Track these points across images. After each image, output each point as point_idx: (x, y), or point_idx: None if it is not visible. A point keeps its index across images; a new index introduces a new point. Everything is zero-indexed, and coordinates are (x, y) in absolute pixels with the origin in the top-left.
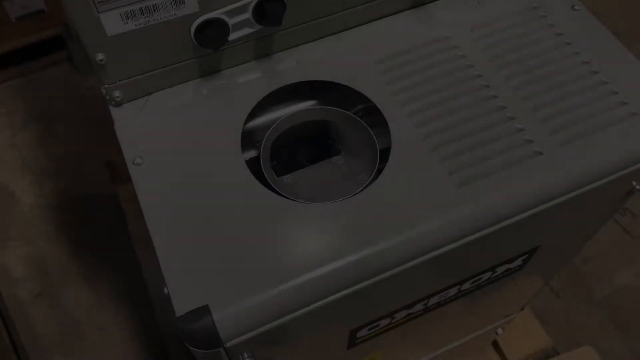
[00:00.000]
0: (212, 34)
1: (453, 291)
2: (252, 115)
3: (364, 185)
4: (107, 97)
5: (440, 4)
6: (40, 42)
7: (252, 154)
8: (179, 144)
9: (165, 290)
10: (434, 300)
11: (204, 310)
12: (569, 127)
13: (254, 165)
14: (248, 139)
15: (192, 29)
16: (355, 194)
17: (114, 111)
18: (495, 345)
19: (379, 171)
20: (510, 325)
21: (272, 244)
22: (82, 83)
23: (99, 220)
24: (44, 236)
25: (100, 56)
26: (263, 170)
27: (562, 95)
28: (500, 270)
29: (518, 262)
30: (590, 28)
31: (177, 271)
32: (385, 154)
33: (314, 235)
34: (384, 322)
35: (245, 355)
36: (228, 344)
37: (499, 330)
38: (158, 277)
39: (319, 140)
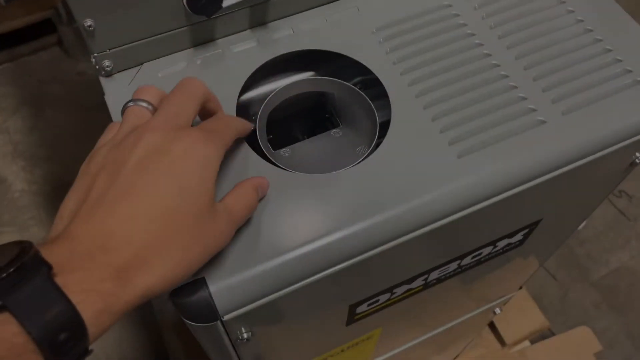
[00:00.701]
0: (205, 0)
1: (453, 266)
2: (248, 86)
3: (363, 157)
4: (97, 67)
5: None
6: (30, 25)
7: None
8: None
9: None
10: (434, 276)
11: (201, 283)
12: (572, 96)
13: (249, 139)
14: (243, 111)
15: None
16: (353, 165)
17: (104, 82)
18: (492, 326)
19: (379, 144)
20: (507, 306)
21: (270, 215)
22: (72, 67)
23: None
24: (36, 222)
25: (88, 22)
26: (260, 142)
27: (565, 63)
28: (501, 244)
29: (519, 236)
30: None
31: None
32: (384, 126)
33: (312, 207)
34: (383, 298)
35: (243, 330)
36: (225, 318)
37: (497, 310)
38: None
39: (315, 113)
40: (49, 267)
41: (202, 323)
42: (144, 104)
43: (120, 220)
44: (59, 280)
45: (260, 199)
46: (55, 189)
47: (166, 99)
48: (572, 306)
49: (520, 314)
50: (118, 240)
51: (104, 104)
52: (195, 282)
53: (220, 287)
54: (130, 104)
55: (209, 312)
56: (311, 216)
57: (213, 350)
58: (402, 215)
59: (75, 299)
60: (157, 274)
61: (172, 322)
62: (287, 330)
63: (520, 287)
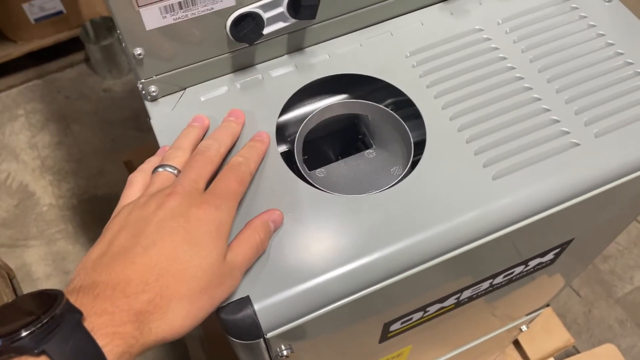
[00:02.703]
0: (248, 28)
1: (485, 285)
2: (286, 109)
3: (400, 178)
4: (143, 92)
5: None
6: (58, 43)
7: (282, 147)
8: None
9: None
10: (466, 295)
11: (245, 301)
12: (605, 118)
13: (286, 160)
14: (280, 132)
15: (228, 23)
16: (390, 187)
17: (150, 106)
18: (517, 343)
19: (413, 164)
20: (532, 323)
21: (310, 236)
22: (99, 84)
23: None
24: (63, 235)
25: (138, 50)
26: (297, 163)
27: (597, 86)
28: (532, 264)
29: (550, 255)
30: (624, 19)
31: None
32: (417, 147)
33: (351, 228)
34: (416, 316)
35: (283, 347)
36: (268, 335)
37: (524, 327)
38: None
39: (349, 134)
40: (79, 313)
41: (246, 340)
42: (170, 169)
43: (138, 270)
44: (87, 324)
45: (276, 231)
46: (81, 203)
47: (187, 165)
48: (597, 323)
49: (545, 331)
50: (136, 286)
51: (128, 120)
52: (240, 300)
53: (264, 306)
54: (160, 169)
55: (254, 330)
56: (351, 237)
57: None
58: (438, 236)
59: (101, 341)
60: (168, 321)
61: (197, 333)
62: (323, 347)
63: (548, 305)
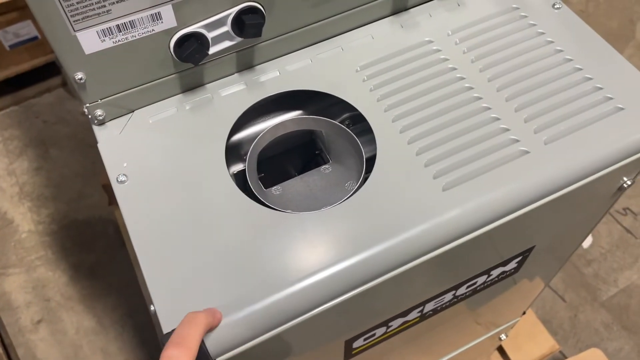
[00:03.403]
0: (192, 48)
1: (448, 297)
2: (238, 127)
3: (351, 193)
4: (90, 116)
5: (420, 9)
6: (34, 69)
7: (239, 167)
8: (163, 160)
9: (152, 308)
10: (429, 307)
11: None
12: (555, 125)
13: (242, 178)
14: (235, 152)
15: (171, 44)
16: (342, 202)
17: (97, 130)
18: (501, 350)
19: (366, 178)
20: (516, 330)
21: (260, 257)
22: (77, 107)
23: (98, 244)
24: (43, 262)
25: (79, 75)
26: (249, 182)
27: (546, 93)
28: (495, 273)
29: (512, 264)
30: (572, 26)
31: (163, 288)
32: (372, 160)
33: (301, 246)
34: (379, 332)
35: None
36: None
37: (503, 336)
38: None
39: (306, 150)
40: None
41: None
42: None
43: None
44: None
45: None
46: (62, 228)
47: None
48: (583, 328)
49: (530, 338)
50: None
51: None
52: None
53: (212, 331)
54: None
55: (202, 356)
56: (300, 256)
57: None
58: (389, 250)
59: None
60: None
61: None
62: None
63: (524, 313)
